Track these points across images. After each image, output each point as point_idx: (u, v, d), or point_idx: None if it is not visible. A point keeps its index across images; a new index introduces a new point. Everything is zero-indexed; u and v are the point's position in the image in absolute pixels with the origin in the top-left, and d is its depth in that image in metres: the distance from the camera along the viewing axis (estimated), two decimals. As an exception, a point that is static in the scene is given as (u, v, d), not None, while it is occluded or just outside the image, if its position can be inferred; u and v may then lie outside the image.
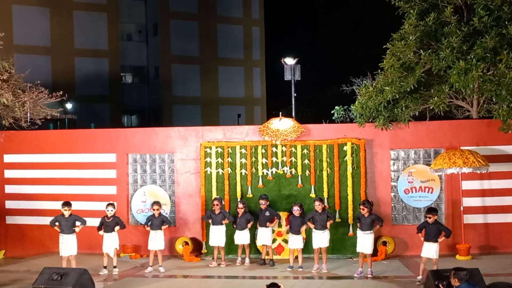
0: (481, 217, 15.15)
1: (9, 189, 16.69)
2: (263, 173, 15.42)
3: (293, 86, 33.58)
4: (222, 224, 14.29)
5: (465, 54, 14.31)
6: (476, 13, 14.55)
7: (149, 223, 13.93)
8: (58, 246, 13.54)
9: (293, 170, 15.34)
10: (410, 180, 15.37)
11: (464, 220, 14.66)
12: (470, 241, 14.70)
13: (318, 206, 13.47)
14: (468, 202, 14.92)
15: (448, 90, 14.68)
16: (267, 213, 14.37)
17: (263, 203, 14.39)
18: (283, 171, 15.38)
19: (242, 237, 14.44)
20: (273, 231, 14.74)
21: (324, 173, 15.20)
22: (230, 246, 14.88)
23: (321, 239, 13.46)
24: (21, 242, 16.31)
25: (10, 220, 16.63)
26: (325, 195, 15.10)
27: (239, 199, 15.14)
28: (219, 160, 15.53)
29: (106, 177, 16.23)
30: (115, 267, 13.76)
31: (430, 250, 12.17)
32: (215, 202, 14.43)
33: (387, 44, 15.36)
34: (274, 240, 14.86)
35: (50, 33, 44.38)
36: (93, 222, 14.61)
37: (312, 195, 15.02)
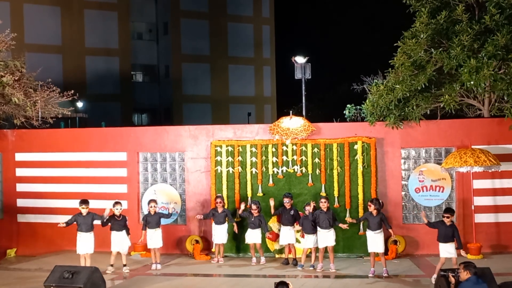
0: (492, 216, 15.07)
1: (20, 187, 16.78)
2: (273, 171, 15.41)
3: (303, 85, 33.44)
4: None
5: (476, 52, 14.24)
6: (488, 11, 14.48)
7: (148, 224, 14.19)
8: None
9: (304, 169, 15.31)
10: (421, 179, 15.31)
11: (475, 219, 14.58)
12: (481, 240, 14.63)
13: (323, 204, 13.47)
14: (479, 201, 14.84)
15: (459, 89, 14.62)
16: (292, 212, 14.34)
17: (287, 202, 14.37)
18: (294, 169, 15.36)
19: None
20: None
21: (335, 172, 15.16)
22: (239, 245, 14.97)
23: (326, 238, 13.45)
24: (32, 240, 16.39)
25: (22, 218, 16.71)
26: (336, 193, 15.07)
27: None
28: (230, 158, 15.54)
29: (117, 175, 16.29)
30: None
31: (450, 250, 12.17)
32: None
33: (398, 42, 15.34)
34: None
35: (61, 32, 44.61)
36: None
37: (323, 193, 14.99)
